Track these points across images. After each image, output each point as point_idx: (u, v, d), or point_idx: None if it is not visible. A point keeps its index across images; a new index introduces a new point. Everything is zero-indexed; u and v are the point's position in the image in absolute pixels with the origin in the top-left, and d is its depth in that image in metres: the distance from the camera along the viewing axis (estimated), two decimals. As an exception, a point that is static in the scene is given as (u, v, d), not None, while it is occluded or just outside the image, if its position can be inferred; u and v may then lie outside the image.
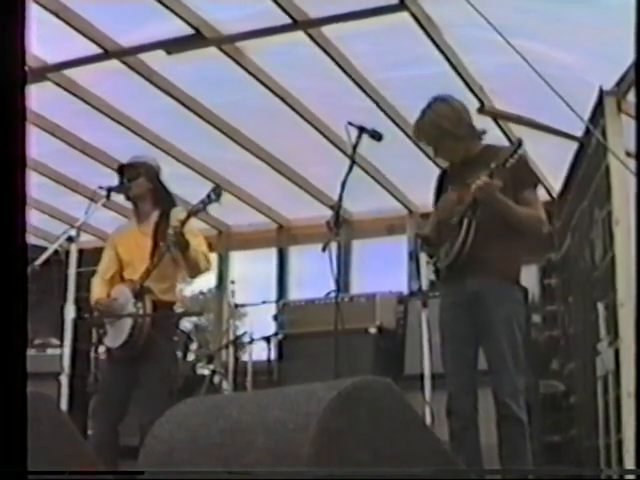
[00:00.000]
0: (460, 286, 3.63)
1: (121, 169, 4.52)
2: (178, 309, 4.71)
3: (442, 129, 3.66)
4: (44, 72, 5.42)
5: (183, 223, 4.21)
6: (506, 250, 3.59)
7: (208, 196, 4.24)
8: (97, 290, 4.50)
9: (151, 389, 4.19)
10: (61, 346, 4.40)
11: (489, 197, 3.51)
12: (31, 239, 6.62)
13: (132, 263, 4.43)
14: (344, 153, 5.19)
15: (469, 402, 3.55)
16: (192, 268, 4.38)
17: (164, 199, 4.50)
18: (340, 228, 3.83)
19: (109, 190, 4.40)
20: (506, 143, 4.96)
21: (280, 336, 6.32)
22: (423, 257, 5.18)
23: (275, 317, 6.54)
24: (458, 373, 3.59)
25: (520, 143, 3.51)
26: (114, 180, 4.56)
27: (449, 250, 3.64)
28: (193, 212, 4.26)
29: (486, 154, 3.62)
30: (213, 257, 7.87)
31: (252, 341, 6.38)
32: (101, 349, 5.88)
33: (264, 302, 6.89)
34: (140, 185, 4.46)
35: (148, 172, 4.48)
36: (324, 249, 3.73)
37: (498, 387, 3.47)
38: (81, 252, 4.59)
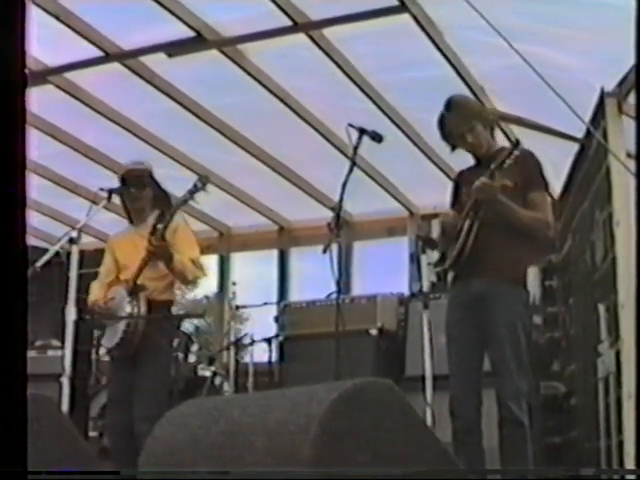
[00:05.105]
0: (465, 287, 3.63)
1: (123, 179, 4.46)
2: (179, 311, 4.70)
3: (474, 113, 3.67)
4: (45, 75, 5.43)
5: (171, 215, 4.22)
6: (510, 251, 3.58)
7: (195, 185, 4.25)
8: (94, 293, 4.51)
9: (145, 390, 4.17)
10: (62, 348, 4.40)
11: (489, 198, 3.50)
12: (32, 241, 6.63)
13: (129, 265, 4.41)
14: (345, 155, 5.19)
15: (472, 405, 3.54)
16: (179, 278, 4.39)
17: (161, 200, 4.48)
18: (341, 229, 3.82)
19: (110, 192, 4.39)
20: (507, 144, 4.96)
21: (281, 337, 6.31)
22: (424, 259, 5.20)
23: (276, 318, 6.53)
24: (462, 375, 3.58)
25: (517, 144, 3.51)
26: (115, 182, 4.54)
27: (452, 251, 3.64)
28: (180, 203, 4.27)
29: (498, 156, 3.58)
30: (214, 259, 7.90)
31: (253, 343, 6.38)
32: (102, 350, 5.89)
33: (265, 304, 6.88)
34: (147, 196, 4.46)
35: (151, 180, 4.47)
36: (325, 250, 3.72)
37: (501, 389, 3.47)
38: (82, 254, 4.59)
